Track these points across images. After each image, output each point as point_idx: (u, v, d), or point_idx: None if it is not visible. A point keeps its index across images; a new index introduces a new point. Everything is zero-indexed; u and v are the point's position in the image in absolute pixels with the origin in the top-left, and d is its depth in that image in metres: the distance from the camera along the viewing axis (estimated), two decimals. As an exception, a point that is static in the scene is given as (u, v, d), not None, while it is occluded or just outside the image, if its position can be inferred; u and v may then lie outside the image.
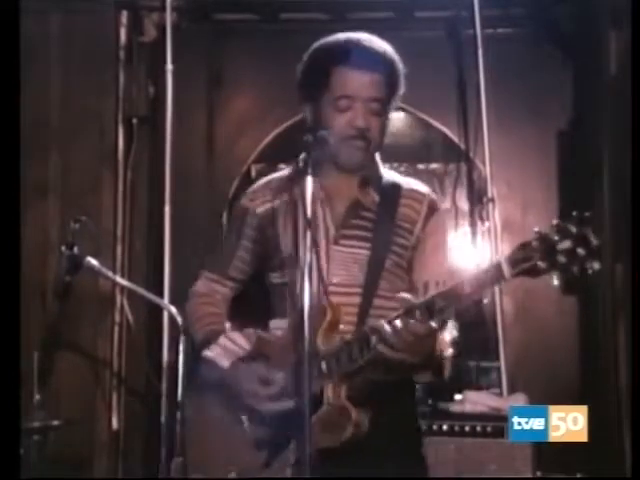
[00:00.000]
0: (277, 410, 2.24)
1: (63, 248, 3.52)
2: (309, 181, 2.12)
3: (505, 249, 4.28)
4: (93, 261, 3.56)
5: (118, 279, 3.88)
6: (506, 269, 1.93)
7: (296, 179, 2.40)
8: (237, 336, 2.37)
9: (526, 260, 1.90)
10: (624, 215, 3.34)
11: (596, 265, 1.83)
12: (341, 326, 2.23)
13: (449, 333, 2.23)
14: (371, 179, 2.40)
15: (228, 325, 2.44)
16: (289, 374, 2.23)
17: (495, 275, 1.96)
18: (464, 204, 4.56)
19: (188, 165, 4.47)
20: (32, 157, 4.12)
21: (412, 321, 2.03)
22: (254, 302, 2.41)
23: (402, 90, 2.39)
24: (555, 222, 1.88)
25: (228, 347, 2.35)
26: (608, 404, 3.73)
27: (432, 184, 4.63)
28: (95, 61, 4.37)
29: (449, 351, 2.27)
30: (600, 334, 4.01)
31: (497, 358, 4.09)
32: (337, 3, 4.49)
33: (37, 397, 3.46)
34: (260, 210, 2.44)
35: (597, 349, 4.06)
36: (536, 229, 1.91)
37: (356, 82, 2.31)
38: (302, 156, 2.40)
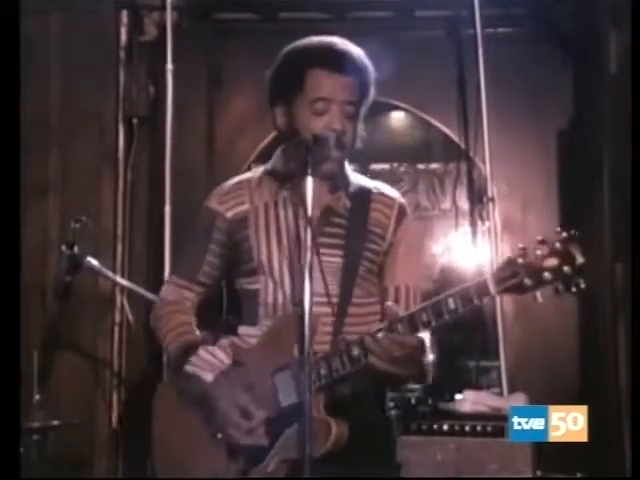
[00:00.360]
0: (252, 444, 2.21)
1: (63, 248, 3.54)
2: (309, 181, 2.10)
3: (505, 249, 4.29)
4: (93, 261, 3.57)
5: (118, 279, 3.88)
6: (492, 286, 1.93)
7: (266, 182, 2.38)
8: (217, 351, 2.32)
9: (512, 277, 1.90)
10: (624, 215, 3.34)
11: (582, 283, 1.84)
12: (318, 336, 2.19)
13: (426, 338, 2.22)
14: (341, 183, 2.37)
15: (198, 333, 2.39)
16: (270, 412, 2.20)
17: (480, 292, 1.96)
18: (464, 204, 4.56)
19: (188, 165, 4.46)
20: (32, 157, 4.13)
21: (396, 334, 2.04)
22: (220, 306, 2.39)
23: (372, 96, 2.36)
24: (540, 239, 1.88)
25: (210, 361, 2.30)
26: (608, 404, 3.73)
27: (432, 184, 4.64)
28: (95, 61, 4.37)
29: (429, 357, 2.25)
30: (600, 334, 4.01)
31: (497, 357, 4.09)
32: (337, 2, 4.48)
33: (37, 397, 3.46)
34: (230, 214, 2.38)
35: (597, 349, 4.05)
36: (521, 245, 1.91)
37: (332, 84, 2.28)
38: (275, 157, 2.40)
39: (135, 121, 4.47)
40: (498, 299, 4.09)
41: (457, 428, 3.56)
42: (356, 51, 2.34)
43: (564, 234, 1.87)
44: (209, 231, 2.40)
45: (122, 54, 4.47)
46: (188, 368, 2.31)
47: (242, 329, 2.38)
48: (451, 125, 4.51)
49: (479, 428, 3.53)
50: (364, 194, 2.38)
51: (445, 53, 4.44)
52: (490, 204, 4.25)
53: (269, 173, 2.39)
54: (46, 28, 4.30)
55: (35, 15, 4.12)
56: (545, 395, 3.76)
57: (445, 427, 3.56)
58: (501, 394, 3.95)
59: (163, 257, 4.07)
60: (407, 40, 4.38)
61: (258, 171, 2.43)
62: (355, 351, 2.10)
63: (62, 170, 4.32)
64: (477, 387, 4.00)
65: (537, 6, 4.38)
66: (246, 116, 4.62)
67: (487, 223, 4.31)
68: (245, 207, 2.37)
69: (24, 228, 3.59)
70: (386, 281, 2.37)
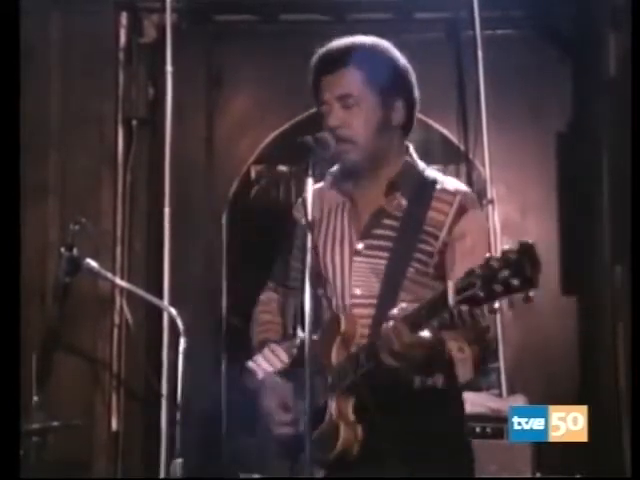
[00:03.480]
0: (285, 435, 2.27)
1: (62, 250, 3.53)
2: (309, 184, 2.12)
3: (504, 251, 4.29)
4: (92, 263, 3.57)
5: (117, 280, 3.88)
6: (451, 297, 1.89)
7: (329, 189, 2.41)
8: (278, 348, 2.42)
9: (469, 288, 1.85)
10: (623, 217, 3.35)
11: (531, 294, 1.77)
12: (357, 339, 2.21)
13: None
14: (401, 183, 2.34)
15: (280, 332, 2.51)
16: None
17: (441, 302, 1.92)
18: (464, 206, 4.55)
19: (188, 166, 4.46)
20: (32, 158, 4.12)
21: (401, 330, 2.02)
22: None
23: (390, 68, 2.33)
24: (502, 249, 1.82)
25: (269, 359, 2.40)
26: (608, 405, 3.73)
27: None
28: (95, 62, 4.37)
29: (467, 377, 2.22)
30: (599, 335, 4.01)
31: (496, 359, 4.08)
32: (337, 4, 4.49)
33: (36, 399, 3.46)
34: (304, 221, 2.37)
35: (596, 349, 4.06)
36: (487, 255, 1.85)
37: (328, 84, 2.30)
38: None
39: (134, 123, 4.48)
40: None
41: (456, 430, 3.55)
42: (352, 41, 2.33)
43: (520, 243, 1.80)
44: (291, 238, 2.49)
45: (122, 56, 4.47)
46: (249, 364, 2.42)
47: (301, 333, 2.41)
48: (450, 127, 4.51)
49: (478, 430, 3.53)
50: (426, 192, 2.33)
51: (444, 55, 4.44)
52: (489, 206, 4.24)
53: (332, 181, 2.42)
54: (46, 29, 4.31)
55: (35, 16, 4.12)
56: (544, 396, 3.77)
57: (445, 429, 3.55)
58: (500, 396, 3.95)
59: (162, 259, 4.07)
60: (406, 42, 4.34)
61: (328, 179, 2.45)
62: (378, 345, 2.08)
63: (61, 172, 4.32)
64: (476, 389, 3.99)
65: (536, 8, 4.38)
66: (246, 118, 4.62)
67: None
68: (313, 214, 2.36)
69: (24, 230, 3.59)
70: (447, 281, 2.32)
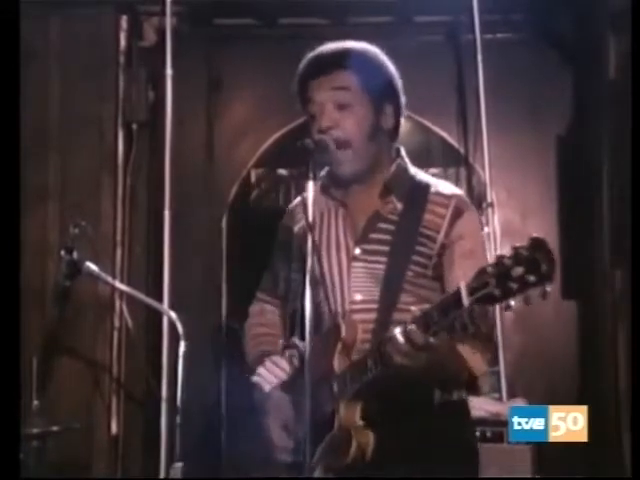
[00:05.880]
0: (283, 462, 2.24)
1: (62, 253, 3.53)
2: (310, 186, 2.11)
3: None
4: (92, 266, 3.57)
5: (117, 284, 3.88)
6: (465, 297, 1.87)
7: (318, 195, 2.34)
8: (279, 359, 2.36)
9: (482, 287, 1.84)
10: (623, 221, 3.35)
11: (548, 288, 1.76)
12: (358, 344, 2.20)
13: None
14: (394, 186, 2.34)
15: (280, 343, 2.45)
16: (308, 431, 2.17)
17: (456, 303, 1.90)
18: (463, 209, 4.55)
19: (188, 170, 4.46)
20: (32, 162, 4.12)
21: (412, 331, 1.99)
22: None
23: (381, 74, 2.33)
24: (512, 246, 1.82)
25: (271, 370, 2.34)
26: (607, 405, 3.73)
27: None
28: (95, 65, 4.37)
29: (483, 369, 2.24)
30: (599, 339, 4.01)
31: (496, 363, 4.08)
32: (337, 8, 4.49)
33: (36, 403, 3.45)
34: (296, 229, 2.43)
35: (596, 354, 4.05)
36: (498, 253, 1.85)
37: (319, 84, 2.31)
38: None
39: (134, 126, 4.47)
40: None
41: (456, 433, 3.55)
42: (353, 47, 2.34)
43: (531, 240, 1.80)
44: (285, 248, 2.48)
45: (122, 59, 4.47)
46: (253, 378, 2.37)
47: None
48: (450, 130, 4.51)
49: (478, 434, 3.52)
50: (420, 195, 2.33)
51: (444, 58, 4.45)
52: (489, 210, 4.25)
53: (321, 186, 2.38)
54: (46, 32, 4.31)
55: (35, 19, 4.12)
56: (544, 400, 3.75)
57: (445, 432, 3.55)
58: (500, 399, 3.95)
59: (162, 262, 4.06)
60: (406, 45, 4.37)
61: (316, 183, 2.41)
62: (387, 347, 2.04)
63: (62, 175, 4.32)
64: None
65: (536, 11, 4.39)
66: (246, 121, 4.62)
67: (486, 229, 4.30)
68: (304, 222, 2.35)
69: (24, 233, 3.59)
70: (446, 283, 2.29)
